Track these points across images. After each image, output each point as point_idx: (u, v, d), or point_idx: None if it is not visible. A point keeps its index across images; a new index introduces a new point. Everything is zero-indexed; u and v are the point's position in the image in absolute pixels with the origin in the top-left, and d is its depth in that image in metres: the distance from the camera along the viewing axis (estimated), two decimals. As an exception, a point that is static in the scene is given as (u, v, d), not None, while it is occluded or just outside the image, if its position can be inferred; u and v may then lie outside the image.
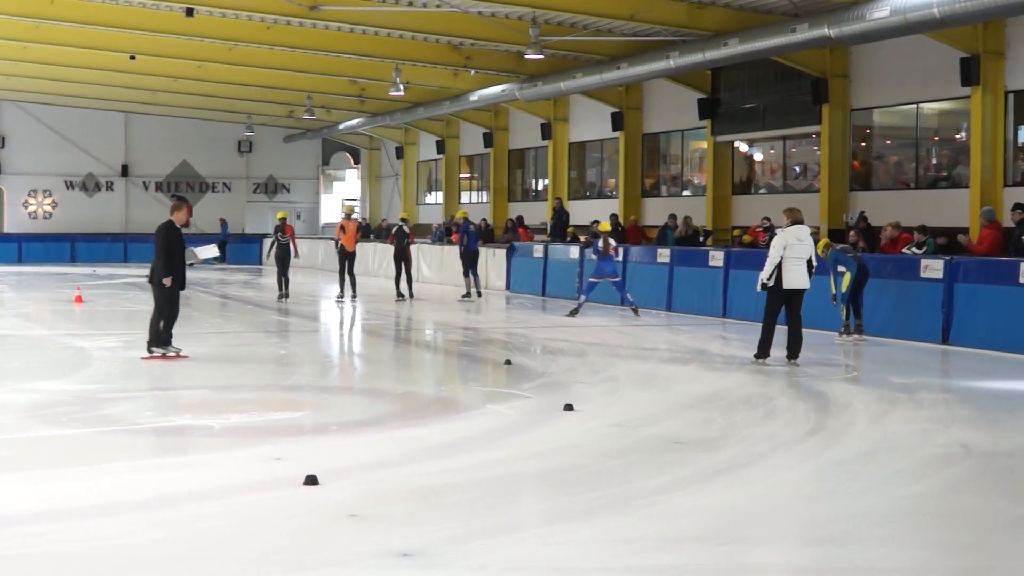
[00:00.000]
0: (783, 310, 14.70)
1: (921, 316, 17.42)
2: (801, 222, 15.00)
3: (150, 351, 14.78)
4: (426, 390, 13.50)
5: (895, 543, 6.73)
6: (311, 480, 7.84)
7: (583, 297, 22.12)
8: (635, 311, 21.73)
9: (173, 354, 14.81)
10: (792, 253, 14.51)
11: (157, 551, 6.43)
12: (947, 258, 17.40)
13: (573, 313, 21.74)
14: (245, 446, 9.43)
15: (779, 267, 14.49)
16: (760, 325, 14.93)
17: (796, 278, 14.56)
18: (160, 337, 14.81)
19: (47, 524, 6.99)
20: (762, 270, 14.69)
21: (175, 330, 15.02)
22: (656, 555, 6.47)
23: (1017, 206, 18.34)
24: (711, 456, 9.12)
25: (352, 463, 8.78)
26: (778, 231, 14.82)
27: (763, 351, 14.66)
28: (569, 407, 11.03)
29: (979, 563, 6.48)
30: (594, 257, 21.99)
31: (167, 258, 14.58)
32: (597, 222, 28.50)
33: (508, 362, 14.72)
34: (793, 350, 14.67)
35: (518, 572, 6.18)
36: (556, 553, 6.49)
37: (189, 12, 24.25)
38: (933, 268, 17.34)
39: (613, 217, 29.25)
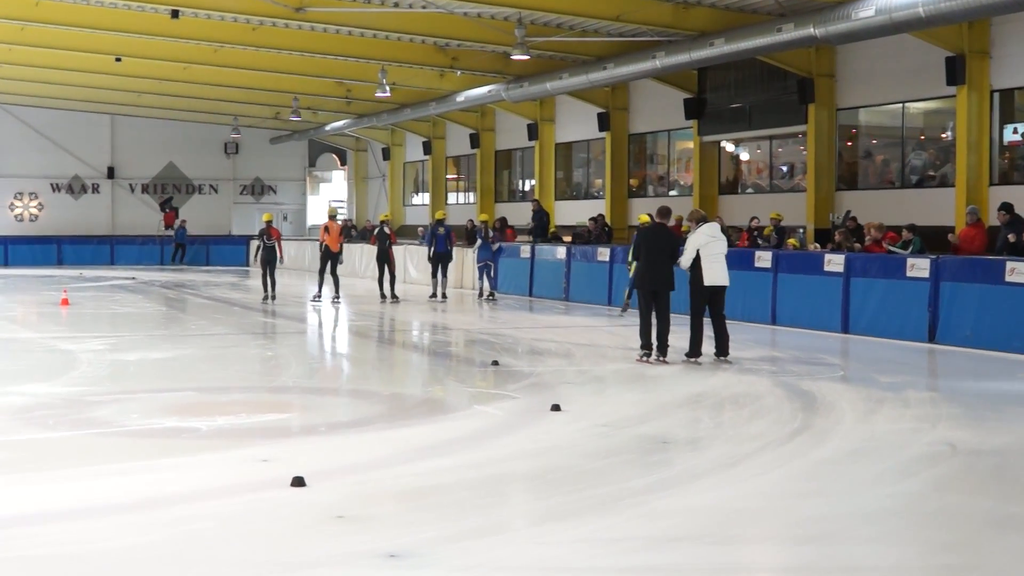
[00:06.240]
0: (707, 308, 14.88)
1: (907, 315, 17.46)
2: (708, 220, 15.30)
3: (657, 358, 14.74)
4: (413, 391, 13.49)
5: (882, 542, 6.74)
6: (298, 481, 7.83)
7: (479, 283, 26.62)
8: (492, 296, 25.90)
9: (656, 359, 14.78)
10: (708, 251, 14.68)
11: (144, 553, 6.42)
12: (933, 257, 17.44)
13: (480, 295, 26.17)
14: (232, 448, 9.42)
15: (699, 266, 14.64)
16: (743, 324, 15.04)
17: (716, 275, 14.73)
18: (666, 343, 14.74)
19: (33, 527, 6.96)
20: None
21: (170, 331, 14.98)
22: (644, 555, 6.48)
23: (1003, 206, 18.40)
24: (698, 456, 9.14)
25: (339, 464, 8.77)
26: (690, 234, 15.00)
27: (694, 350, 14.75)
28: (556, 407, 11.03)
29: (965, 561, 6.50)
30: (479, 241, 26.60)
31: (672, 262, 14.74)
32: (590, 221, 28.73)
33: (495, 363, 14.72)
34: (721, 348, 14.80)
35: (506, 572, 6.18)
36: (544, 553, 6.49)
37: (174, 14, 24.20)
38: (919, 267, 17.37)
39: (600, 217, 29.32)
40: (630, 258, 21.27)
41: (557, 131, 34.64)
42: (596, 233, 28.01)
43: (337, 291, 25.48)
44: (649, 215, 16.42)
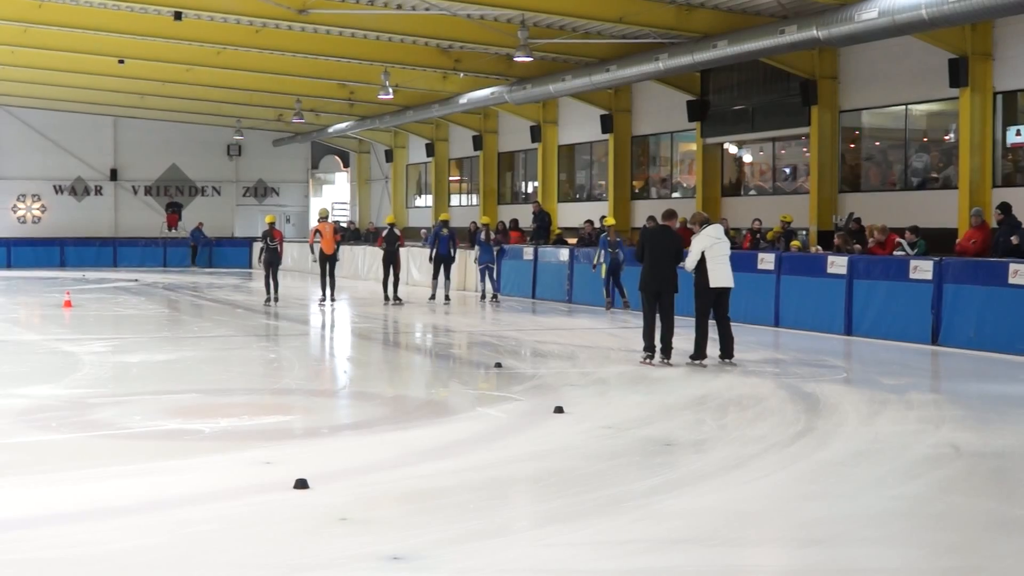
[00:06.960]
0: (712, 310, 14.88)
1: (911, 317, 17.44)
2: (711, 222, 15.30)
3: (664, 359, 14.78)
4: (416, 393, 13.49)
5: (886, 544, 6.73)
6: (301, 484, 7.82)
7: (481, 285, 27.10)
8: (495, 298, 26.24)
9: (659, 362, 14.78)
10: (714, 253, 14.66)
11: (147, 556, 6.41)
12: (936, 259, 17.43)
13: (482, 298, 26.62)
14: (235, 450, 9.40)
15: (704, 267, 14.61)
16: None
17: (721, 277, 14.70)
18: (670, 345, 14.74)
19: (37, 529, 6.96)
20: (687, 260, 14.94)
21: (173, 333, 14.98)
22: (647, 557, 6.47)
23: (1000, 206, 18.40)
24: (702, 458, 9.13)
25: (342, 467, 8.76)
26: (695, 236, 14.99)
27: (699, 352, 14.70)
28: (559, 410, 11.03)
29: (969, 563, 6.49)
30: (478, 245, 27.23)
31: (676, 263, 14.77)
32: (586, 224, 28.69)
33: (498, 365, 14.70)
34: (726, 350, 14.77)
35: (509, 575, 6.17)
36: (547, 555, 6.48)
37: (177, 16, 24.22)
38: (922, 269, 17.36)
39: (602, 219, 29.29)
40: (599, 259, 23.39)
41: (560, 133, 34.64)
42: (596, 236, 27.97)
43: (333, 293, 25.41)
44: (650, 219, 16.51)
